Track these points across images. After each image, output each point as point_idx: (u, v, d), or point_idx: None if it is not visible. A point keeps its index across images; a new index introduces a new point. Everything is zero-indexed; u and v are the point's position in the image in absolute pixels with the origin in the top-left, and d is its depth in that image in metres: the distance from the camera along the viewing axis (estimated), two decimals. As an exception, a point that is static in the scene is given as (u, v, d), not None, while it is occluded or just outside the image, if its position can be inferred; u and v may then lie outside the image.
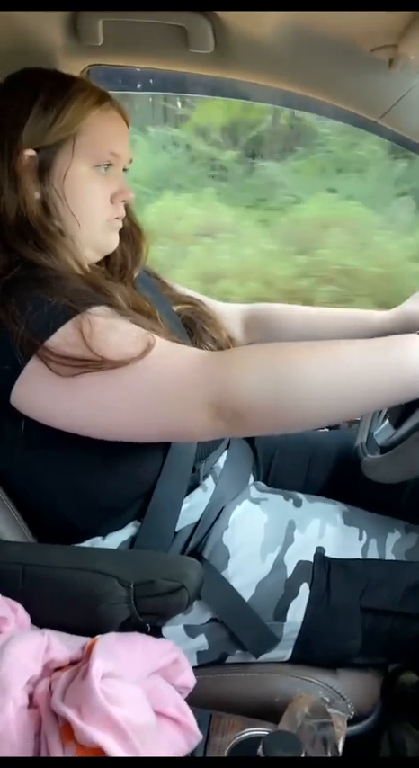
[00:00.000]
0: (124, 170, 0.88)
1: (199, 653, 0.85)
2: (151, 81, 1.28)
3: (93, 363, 0.70)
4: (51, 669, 0.63)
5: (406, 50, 0.87)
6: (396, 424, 0.87)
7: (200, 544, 0.86)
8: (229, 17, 0.90)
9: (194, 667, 0.73)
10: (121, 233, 0.91)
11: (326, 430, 1.21)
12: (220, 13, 0.90)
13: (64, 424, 0.75)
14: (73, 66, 1.06)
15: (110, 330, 0.72)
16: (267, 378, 0.70)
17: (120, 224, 0.89)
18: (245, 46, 0.98)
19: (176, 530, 0.86)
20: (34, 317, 0.71)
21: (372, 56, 0.93)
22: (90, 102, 0.81)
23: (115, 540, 0.85)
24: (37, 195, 0.80)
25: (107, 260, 0.92)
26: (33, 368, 0.71)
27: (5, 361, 0.72)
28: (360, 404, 0.73)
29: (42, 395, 0.73)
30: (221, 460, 0.94)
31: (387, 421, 0.92)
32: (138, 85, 1.27)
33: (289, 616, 0.84)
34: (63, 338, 0.71)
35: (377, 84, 1.01)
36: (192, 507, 0.88)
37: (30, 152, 0.79)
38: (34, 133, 0.79)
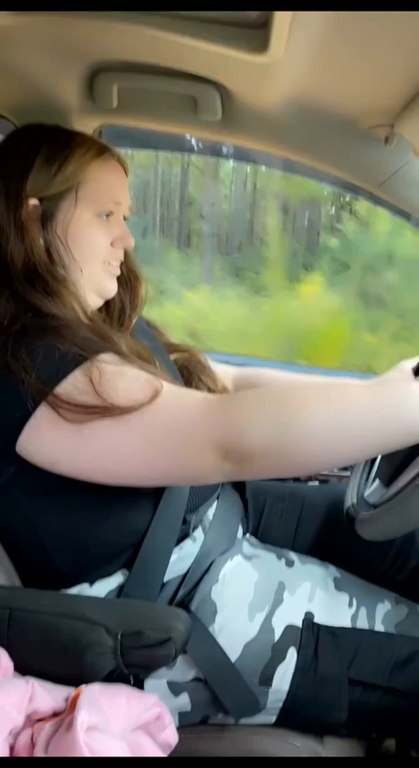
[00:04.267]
0: (124, 218, 0.90)
1: (181, 713, 0.83)
2: (159, 141, 1.34)
3: (103, 410, 0.71)
4: (34, 720, 0.62)
5: (401, 130, 0.93)
6: (388, 482, 0.88)
7: (188, 596, 0.85)
8: (236, 89, 0.96)
9: (176, 727, 0.72)
10: (119, 279, 0.93)
11: (317, 483, 1.21)
12: (228, 85, 0.95)
13: (70, 469, 0.75)
14: (86, 125, 1.11)
15: (118, 376, 0.73)
16: (272, 420, 0.70)
17: (118, 271, 0.91)
18: (250, 115, 1.03)
19: (164, 580, 0.85)
20: (45, 365, 0.72)
21: (370, 132, 0.99)
22: (91, 155, 0.85)
23: (103, 587, 0.84)
24: (41, 242, 0.83)
25: (107, 307, 0.94)
26: (43, 414, 0.72)
27: (16, 408, 0.72)
28: (362, 448, 0.73)
29: (50, 441, 0.73)
30: (211, 512, 0.93)
31: (377, 481, 0.92)
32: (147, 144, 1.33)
33: (275, 682, 0.82)
34: (73, 385, 0.72)
35: (373, 158, 1.07)
36: (181, 558, 0.87)
37: (34, 201, 0.82)
38: (38, 184, 0.82)
